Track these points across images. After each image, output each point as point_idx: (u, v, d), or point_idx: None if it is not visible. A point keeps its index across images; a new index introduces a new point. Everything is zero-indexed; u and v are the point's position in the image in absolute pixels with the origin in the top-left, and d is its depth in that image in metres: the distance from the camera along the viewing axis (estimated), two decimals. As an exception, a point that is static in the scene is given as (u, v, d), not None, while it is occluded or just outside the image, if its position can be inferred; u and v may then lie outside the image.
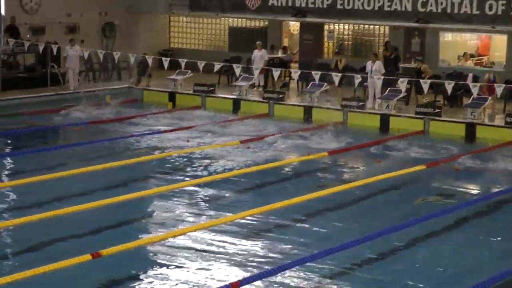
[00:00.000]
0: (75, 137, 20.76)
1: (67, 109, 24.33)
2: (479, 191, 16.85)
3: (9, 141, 19.98)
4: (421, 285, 11.14)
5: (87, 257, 10.93)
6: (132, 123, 22.69)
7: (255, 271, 11.31)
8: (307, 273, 11.28)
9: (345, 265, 11.69)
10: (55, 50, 26.38)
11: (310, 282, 11.07)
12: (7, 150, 19.01)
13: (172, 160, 17.98)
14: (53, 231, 12.78)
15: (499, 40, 27.50)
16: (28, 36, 28.18)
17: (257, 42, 27.87)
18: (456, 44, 28.60)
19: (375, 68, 24.34)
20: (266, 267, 11.40)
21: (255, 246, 12.52)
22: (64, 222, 13.10)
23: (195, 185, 15.77)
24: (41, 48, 26.45)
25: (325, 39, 30.66)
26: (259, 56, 27.30)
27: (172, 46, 33.80)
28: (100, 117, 23.40)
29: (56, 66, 27.18)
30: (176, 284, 10.89)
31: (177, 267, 11.54)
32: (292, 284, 10.96)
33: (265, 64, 27.17)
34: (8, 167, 17.14)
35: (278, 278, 11.02)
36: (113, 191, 15.15)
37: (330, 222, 13.92)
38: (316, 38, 30.39)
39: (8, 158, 18.01)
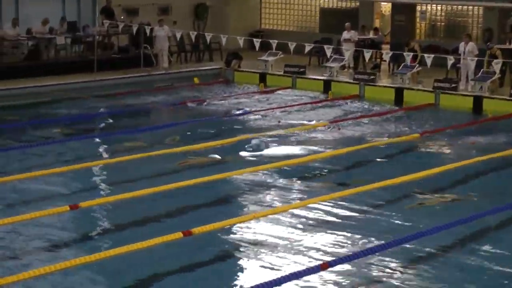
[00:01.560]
0: (168, 118, 21.03)
1: (160, 90, 24.75)
2: None
3: (105, 121, 20.40)
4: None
5: (178, 235, 11.13)
6: (223, 104, 22.90)
7: (345, 252, 11.29)
8: (399, 255, 11.19)
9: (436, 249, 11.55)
10: (148, 31, 26.77)
11: (403, 263, 10.98)
12: (104, 130, 19.37)
13: (263, 141, 18.04)
14: (149, 209, 12.98)
15: None
16: (122, 17, 28.66)
17: (346, 24, 27.68)
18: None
19: (468, 49, 23.88)
20: (356, 249, 11.36)
21: (347, 227, 12.45)
22: (159, 201, 13.28)
23: (285, 166, 15.79)
24: (134, 29, 26.88)
25: (417, 20, 30.21)
26: (348, 37, 27.19)
27: (263, 27, 33.88)
28: (191, 97, 23.71)
29: (149, 47, 27.59)
30: (264, 263, 10.92)
31: (266, 246, 11.58)
32: (381, 266, 10.88)
33: (355, 46, 27.02)
34: (106, 147, 17.39)
35: (371, 259, 10.95)
36: (205, 170, 15.29)
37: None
38: (408, 19, 29.98)
39: (106, 138, 18.31)
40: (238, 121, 20.37)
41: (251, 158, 16.52)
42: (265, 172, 15.37)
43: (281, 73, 26.39)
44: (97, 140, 17.92)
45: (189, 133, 18.75)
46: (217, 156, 16.10)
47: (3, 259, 10.82)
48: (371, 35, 29.52)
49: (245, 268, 10.83)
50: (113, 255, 10.36)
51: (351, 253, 11.03)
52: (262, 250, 11.42)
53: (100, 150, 17.00)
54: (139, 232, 11.77)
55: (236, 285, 10.25)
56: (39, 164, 15.41)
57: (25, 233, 11.71)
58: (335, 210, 13.13)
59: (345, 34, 27.30)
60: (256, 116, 21.00)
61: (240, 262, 11.08)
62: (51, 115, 20.70)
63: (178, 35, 27.52)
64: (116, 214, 12.81)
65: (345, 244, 11.68)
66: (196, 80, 26.06)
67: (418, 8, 29.98)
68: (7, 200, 13.29)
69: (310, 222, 12.64)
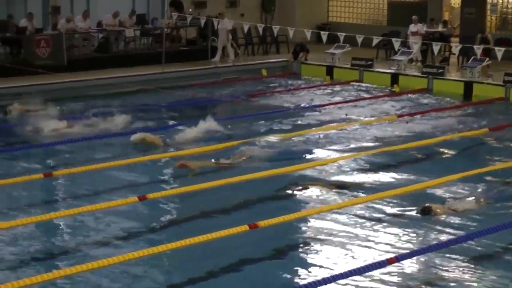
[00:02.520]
0: (235, 110, 21.13)
1: (227, 82, 24.90)
2: None
3: (172, 113, 20.60)
4: None
5: (244, 227, 11.21)
6: (290, 96, 22.93)
7: (412, 247, 11.22)
8: (469, 251, 11.07)
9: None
10: (215, 24, 26.92)
11: (471, 259, 10.87)
12: (172, 122, 19.55)
13: (330, 134, 18.01)
14: (215, 202, 13.08)
15: None
16: (190, 10, 28.89)
17: (413, 17, 27.40)
18: None
19: (540, 43, 23.45)
20: (423, 245, 11.26)
21: (414, 222, 12.35)
22: (224, 193, 13.37)
23: (352, 159, 15.74)
24: (202, 22, 27.06)
25: (488, 12, 29.73)
26: (415, 30, 26.93)
27: (331, 20, 33.77)
28: (258, 90, 23.79)
29: (216, 40, 27.75)
30: (330, 257, 10.92)
31: (332, 241, 11.54)
32: (451, 262, 10.77)
33: (422, 39, 26.75)
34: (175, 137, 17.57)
35: (435, 257, 10.86)
36: (273, 163, 15.32)
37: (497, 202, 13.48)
38: (478, 11, 29.52)
39: (174, 129, 18.46)
40: (304, 114, 20.34)
41: (316, 152, 16.50)
42: (332, 165, 15.34)
43: (348, 66, 26.27)
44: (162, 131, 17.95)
45: (255, 125, 18.79)
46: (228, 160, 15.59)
47: (67, 250, 11.01)
48: (440, 28, 29.16)
49: (310, 262, 10.83)
50: (177, 247, 10.47)
51: (419, 248, 10.96)
52: (327, 244, 11.41)
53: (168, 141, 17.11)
54: (204, 224, 11.89)
55: (303, 278, 10.26)
56: (109, 156, 15.68)
57: (92, 224, 11.92)
58: (404, 205, 13.00)
59: (412, 27, 27.05)
60: (323, 109, 20.96)
61: (305, 255, 11.09)
62: (122, 106, 20.98)
63: (246, 28, 27.60)
64: (183, 206, 12.93)
65: (413, 239, 11.60)
66: (264, 72, 26.14)
67: (489, 0, 29.50)
68: (83, 190, 13.55)
69: (377, 216, 12.56)
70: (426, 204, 12.42)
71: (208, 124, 17.76)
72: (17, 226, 11.25)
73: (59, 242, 11.36)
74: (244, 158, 15.38)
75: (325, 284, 9.57)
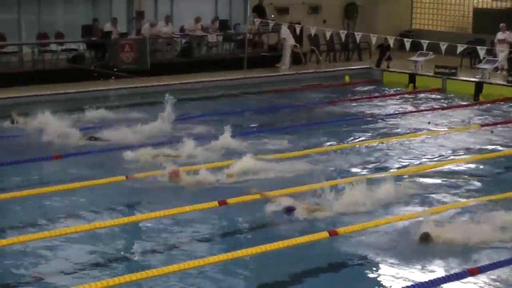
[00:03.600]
0: (316, 116, 21.04)
1: (308, 88, 24.86)
2: None
3: (252, 118, 20.66)
4: None
5: (325, 234, 11.13)
6: (371, 103, 22.76)
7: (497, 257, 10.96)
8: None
9: None
10: (298, 30, 26.90)
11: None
12: (251, 127, 19.60)
13: (411, 142, 17.78)
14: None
15: None
16: (272, 16, 28.97)
17: (501, 24, 26.88)
18: None
19: None
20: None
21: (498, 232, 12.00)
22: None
23: (435, 169, 15.50)
24: (284, 28, 27.08)
25: None
26: (503, 38, 26.41)
27: (414, 27, 33.39)
28: (340, 97, 23.68)
29: (298, 46, 27.75)
30: (415, 266, 10.78)
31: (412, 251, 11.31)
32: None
33: (509, 47, 26.22)
34: (259, 143, 17.49)
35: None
36: (357, 169, 15.24)
37: None
38: None
39: (258, 135, 18.50)
40: (385, 122, 20.13)
41: (399, 161, 16.30)
42: (421, 173, 15.12)
43: (431, 74, 25.91)
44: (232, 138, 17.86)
45: (335, 132, 18.68)
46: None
47: (143, 253, 11.11)
48: (527, 36, 28.49)
49: (403, 268, 10.66)
50: (254, 253, 10.54)
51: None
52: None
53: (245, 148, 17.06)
54: (282, 230, 11.88)
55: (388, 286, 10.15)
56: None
57: (171, 228, 12.01)
58: (496, 212, 12.65)
59: (500, 35, 26.55)
60: (405, 117, 20.72)
61: (393, 262, 10.90)
62: (206, 110, 21.17)
63: (328, 34, 27.53)
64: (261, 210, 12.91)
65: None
66: (347, 78, 26.03)
67: None
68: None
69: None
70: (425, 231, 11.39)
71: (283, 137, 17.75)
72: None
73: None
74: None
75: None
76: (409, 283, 10.00)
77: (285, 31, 27.27)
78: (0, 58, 23.59)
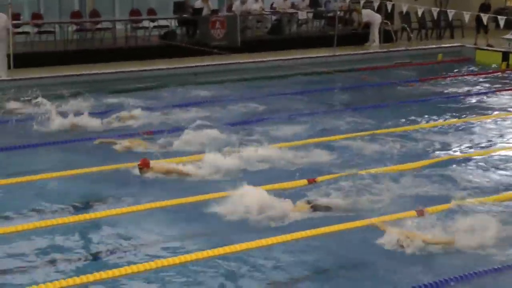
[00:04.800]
0: (407, 94, 20.80)
1: (399, 66, 24.58)
2: None
3: (342, 96, 20.57)
4: None
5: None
6: (463, 82, 22.36)
7: None
8: None
9: None
10: (389, 7, 26.56)
11: None
12: (342, 105, 19.49)
13: (500, 123, 17.38)
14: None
15: None
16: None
17: None
18: None
19: None
20: None
21: None
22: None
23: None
24: (375, 5, 26.79)
25: None
26: None
27: (509, 4, 32.55)
28: (431, 75, 23.33)
29: (389, 23, 27.44)
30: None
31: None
32: None
33: None
34: (350, 121, 17.28)
35: None
36: (455, 147, 15.01)
37: None
38: None
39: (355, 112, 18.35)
40: (477, 101, 19.76)
41: (486, 139, 15.96)
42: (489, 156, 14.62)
43: (526, 52, 25.31)
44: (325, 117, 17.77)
45: (426, 110, 18.43)
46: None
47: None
48: None
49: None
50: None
51: None
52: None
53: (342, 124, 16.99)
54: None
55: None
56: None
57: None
58: None
59: None
60: (496, 96, 20.29)
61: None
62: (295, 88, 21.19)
63: (420, 12, 27.12)
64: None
65: None
66: (440, 57, 25.61)
67: None
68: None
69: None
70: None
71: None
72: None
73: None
74: None
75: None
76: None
77: (366, 14, 26.96)
78: (94, 35, 24.03)
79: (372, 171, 12.82)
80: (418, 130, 16.25)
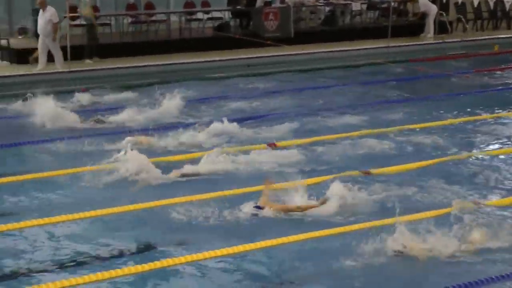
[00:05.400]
0: (462, 86, 20.59)
1: (454, 57, 24.33)
2: None
3: (396, 87, 20.42)
4: None
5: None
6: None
7: None
8: None
9: None
10: (443, -2, 26.35)
11: None
12: (395, 97, 19.32)
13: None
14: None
15: None
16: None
17: None
18: None
19: None
20: None
21: None
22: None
23: None
24: (432, -4, 26.61)
25: None
26: None
27: None
28: (487, 66, 23.04)
29: (444, 14, 27.16)
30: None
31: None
32: None
33: None
34: (403, 112, 17.09)
35: None
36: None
37: None
38: None
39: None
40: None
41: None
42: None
43: None
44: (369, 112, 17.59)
45: (480, 102, 18.20)
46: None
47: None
48: None
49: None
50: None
51: None
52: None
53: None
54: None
55: None
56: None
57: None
58: None
59: None
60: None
61: None
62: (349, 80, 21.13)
63: (475, 2, 26.80)
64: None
65: None
66: (496, 48, 25.27)
67: None
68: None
69: None
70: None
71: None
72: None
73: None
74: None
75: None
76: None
77: (423, 4, 26.70)
78: (149, 27, 24.24)
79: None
80: (473, 122, 16.07)
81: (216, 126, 14.81)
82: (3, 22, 20.29)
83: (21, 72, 19.95)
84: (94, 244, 9.54)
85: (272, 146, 13.74)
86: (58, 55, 20.44)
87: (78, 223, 10.25)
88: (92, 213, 10.42)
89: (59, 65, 20.34)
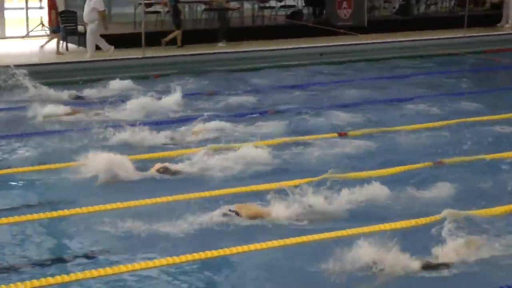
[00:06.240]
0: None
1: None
2: None
3: (470, 78, 20.05)
4: None
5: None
6: None
7: None
8: None
9: None
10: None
11: None
12: (468, 88, 18.99)
13: None
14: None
15: None
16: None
17: None
18: None
19: None
20: None
21: None
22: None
23: None
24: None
25: None
26: None
27: None
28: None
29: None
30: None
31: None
32: None
33: None
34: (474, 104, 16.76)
35: None
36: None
37: None
38: None
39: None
40: None
41: None
42: None
43: None
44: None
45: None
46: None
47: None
48: None
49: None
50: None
51: None
52: None
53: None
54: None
55: None
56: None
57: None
58: None
59: None
60: None
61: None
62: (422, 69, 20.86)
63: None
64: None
65: None
66: None
67: None
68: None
69: None
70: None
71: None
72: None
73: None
74: None
75: None
76: None
77: None
78: (224, 14, 24.25)
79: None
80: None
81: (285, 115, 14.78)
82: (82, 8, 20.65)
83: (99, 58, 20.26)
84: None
85: (343, 135, 13.68)
86: (91, 45, 20.48)
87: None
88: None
89: (90, 54, 20.37)
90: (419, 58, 22.29)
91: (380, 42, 22.94)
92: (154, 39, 21.32)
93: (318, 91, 17.73)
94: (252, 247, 8.87)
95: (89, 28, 20.49)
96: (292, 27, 23.78)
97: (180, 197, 10.43)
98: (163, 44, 21.59)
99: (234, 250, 8.78)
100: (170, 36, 21.73)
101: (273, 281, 8.29)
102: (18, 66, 17.26)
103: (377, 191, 10.53)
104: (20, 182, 11.40)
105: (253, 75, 19.63)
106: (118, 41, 20.97)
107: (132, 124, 13.46)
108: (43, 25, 23.02)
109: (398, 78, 19.43)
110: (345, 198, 10.20)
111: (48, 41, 21.58)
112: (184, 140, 13.31)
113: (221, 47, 22.07)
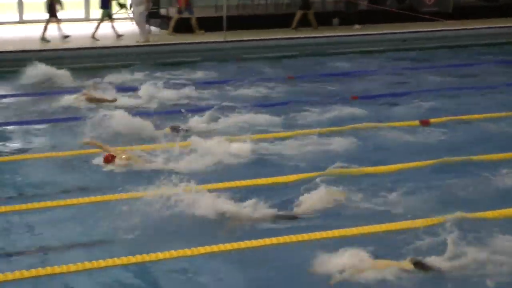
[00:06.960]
0: None
1: None
2: None
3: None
4: None
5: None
6: None
7: None
8: None
9: None
10: None
11: None
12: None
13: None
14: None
15: None
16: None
17: None
18: None
19: None
20: None
21: None
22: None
23: None
24: None
25: None
26: None
27: None
28: None
29: None
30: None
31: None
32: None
33: None
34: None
35: None
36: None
37: None
38: None
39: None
40: None
41: None
42: None
43: None
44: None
45: None
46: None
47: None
48: None
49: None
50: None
51: None
52: None
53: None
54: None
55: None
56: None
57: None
58: None
59: None
60: None
61: None
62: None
63: None
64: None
65: None
66: None
67: None
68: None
69: None
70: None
71: None
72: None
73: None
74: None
75: None
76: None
77: None
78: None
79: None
80: None
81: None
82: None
83: (180, 41, 20.46)
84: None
85: (425, 123, 13.40)
86: (143, 28, 20.44)
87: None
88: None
89: (142, 38, 20.27)
90: (504, 46, 21.65)
91: (466, 29, 22.47)
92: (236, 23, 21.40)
93: (395, 77, 17.57)
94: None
95: (137, 11, 20.54)
96: (375, 12, 23.51)
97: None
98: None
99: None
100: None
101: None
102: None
103: None
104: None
105: (337, 59, 19.53)
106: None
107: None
108: (126, 8, 22.92)
109: (479, 64, 18.89)
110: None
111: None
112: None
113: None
